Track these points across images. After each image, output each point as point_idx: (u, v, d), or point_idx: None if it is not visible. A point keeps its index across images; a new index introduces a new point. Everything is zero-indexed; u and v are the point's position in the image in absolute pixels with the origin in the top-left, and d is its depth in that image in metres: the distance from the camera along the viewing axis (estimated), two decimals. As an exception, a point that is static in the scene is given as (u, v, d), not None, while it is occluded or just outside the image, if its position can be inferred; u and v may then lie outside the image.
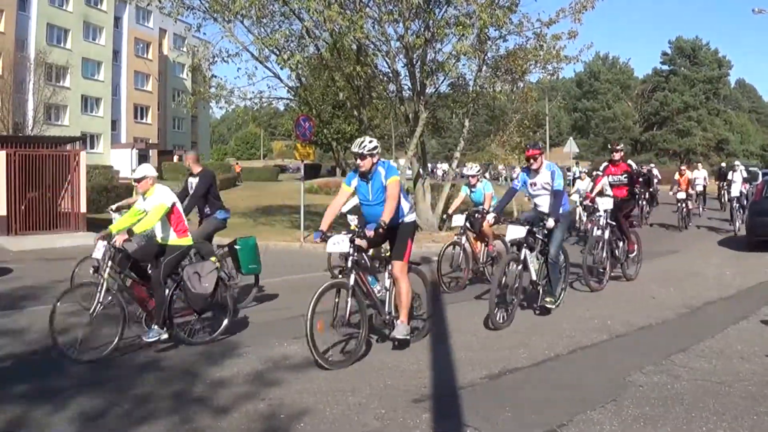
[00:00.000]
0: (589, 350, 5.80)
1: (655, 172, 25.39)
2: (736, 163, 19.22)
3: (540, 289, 7.12)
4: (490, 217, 7.25)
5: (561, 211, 7.03)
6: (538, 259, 7.11)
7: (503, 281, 6.69)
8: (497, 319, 6.50)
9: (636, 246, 9.50)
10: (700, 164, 23.97)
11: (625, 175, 9.55)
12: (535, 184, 7.36)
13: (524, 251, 6.87)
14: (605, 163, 10.12)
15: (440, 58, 15.04)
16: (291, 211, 22.09)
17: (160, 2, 15.30)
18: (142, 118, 54.08)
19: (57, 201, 15.96)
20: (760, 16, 28.39)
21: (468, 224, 9.30)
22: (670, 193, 18.09)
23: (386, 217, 5.39)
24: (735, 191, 16.36)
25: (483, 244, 9.42)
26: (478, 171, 10.06)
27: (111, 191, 24.07)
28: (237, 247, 7.47)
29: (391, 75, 16.26)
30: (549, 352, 5.68)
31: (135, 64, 51.88)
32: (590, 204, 10.03)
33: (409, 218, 5.86)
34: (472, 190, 9.99)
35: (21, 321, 6.82)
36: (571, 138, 36.89)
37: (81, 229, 15.78)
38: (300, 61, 14.66)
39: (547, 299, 7.07)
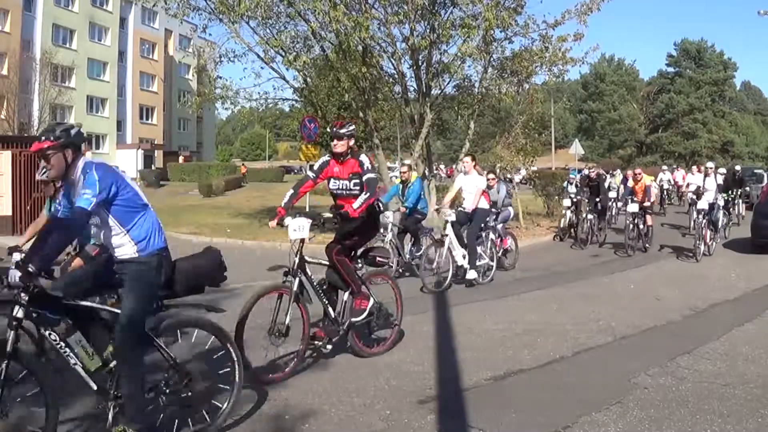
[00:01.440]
0: (593, 352, 5.80)
1: (668, 176, 24.01)
2: (710, 165, 14.32)
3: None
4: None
5: (145, 251, 3.68)
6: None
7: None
8: None
9: (374, 302, 5.60)
10: (696, 167, 21.70)
11: (355, 181, 5.53)
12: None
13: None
14: (325, 158, 5.85)
15: (446, 59, 15.01)
16: (296, 212, 21.97)
17: (165, 3, 15.35)
18: (147, 119, 54.25)
19: (62, 201, 16.04)
20: (766, 18, 28.29)
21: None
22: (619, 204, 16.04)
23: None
24: (703, 203, 12.18)
25: None
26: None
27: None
28: None
29: (396, 76, 16.25)
30: (554, 353, 5.69)
31: (140, 64, 52.07)
32: (280, 224, 5.87)
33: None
34: None
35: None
36: (576, 140, 36.89)
37: (86, 229, 15.85)
38: (306, 62, 14.68)
39: None
